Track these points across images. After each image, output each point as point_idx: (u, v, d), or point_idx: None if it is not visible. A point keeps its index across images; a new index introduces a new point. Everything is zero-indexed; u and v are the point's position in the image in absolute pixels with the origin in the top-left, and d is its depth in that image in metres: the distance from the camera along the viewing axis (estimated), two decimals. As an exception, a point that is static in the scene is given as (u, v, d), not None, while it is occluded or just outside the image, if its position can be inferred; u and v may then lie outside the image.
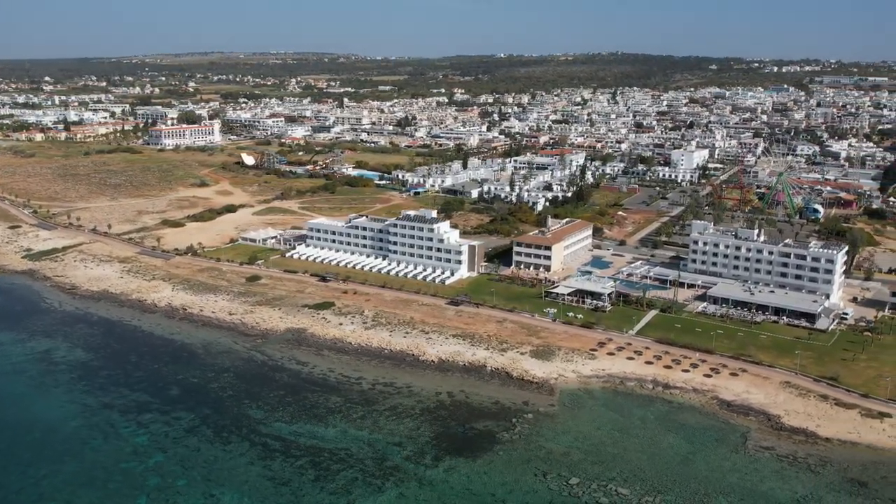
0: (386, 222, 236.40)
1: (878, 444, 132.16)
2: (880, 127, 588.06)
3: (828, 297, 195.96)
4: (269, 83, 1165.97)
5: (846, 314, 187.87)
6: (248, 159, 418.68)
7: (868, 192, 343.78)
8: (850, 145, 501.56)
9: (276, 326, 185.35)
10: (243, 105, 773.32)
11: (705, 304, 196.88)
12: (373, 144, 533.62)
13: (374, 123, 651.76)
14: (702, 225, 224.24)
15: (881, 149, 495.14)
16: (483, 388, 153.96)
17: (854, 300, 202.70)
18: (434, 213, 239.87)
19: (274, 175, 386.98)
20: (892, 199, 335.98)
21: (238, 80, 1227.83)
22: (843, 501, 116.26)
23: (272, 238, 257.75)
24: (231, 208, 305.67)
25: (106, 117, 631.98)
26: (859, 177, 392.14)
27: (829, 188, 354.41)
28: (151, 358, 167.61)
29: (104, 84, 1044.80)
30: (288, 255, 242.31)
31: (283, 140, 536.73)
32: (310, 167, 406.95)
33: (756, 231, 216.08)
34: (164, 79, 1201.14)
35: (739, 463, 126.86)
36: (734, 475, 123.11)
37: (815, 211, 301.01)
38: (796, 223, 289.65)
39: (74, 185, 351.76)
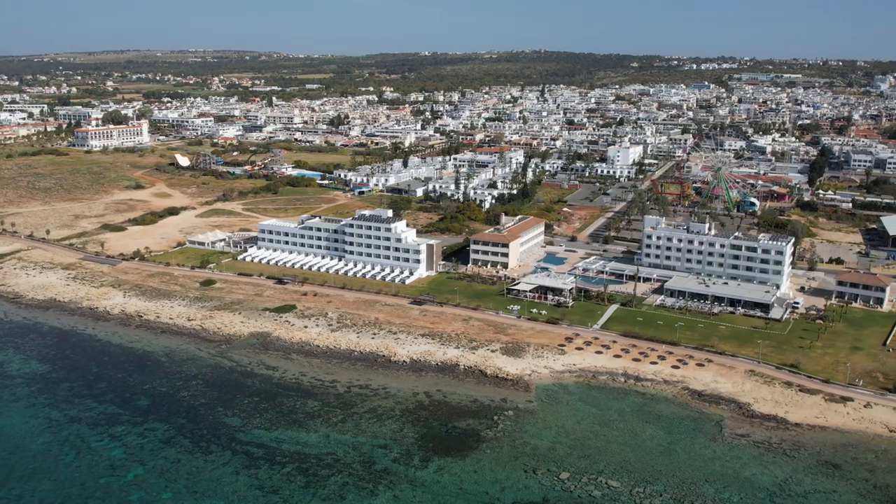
0: (342, 222, 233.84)
1: (845, 427, 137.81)
2: (800, 122, 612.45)
3: (778, 287, 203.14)
4: (191, 82, 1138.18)
5: (797, 303, 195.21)
6: (183, 160, 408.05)
7: (798, 185, 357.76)
8: (773, 140, 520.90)
9: (239, 331, 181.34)
10: (168, 104, 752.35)
11: (663, 297, 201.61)
12: (308, 143, 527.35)
13: (305, 122, 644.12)
14: (654, 220, 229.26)
15: (803, 143, 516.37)
16: (459, 386, 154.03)
17: (801, 289, 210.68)
18: (390, 213, 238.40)
19: (211, 176, 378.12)
20: (820, 191, 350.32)
21: (158, 78, 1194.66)
22: (820, 483, 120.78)
23: (221, 241, 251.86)
24: (173, 211, 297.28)
25: (24, 118, 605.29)
26: (787, 170, 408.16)
27: (760, 182, 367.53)
28: (113, 367, 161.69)
29: (17, 83, 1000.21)
30: (240, 257, 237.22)
31: (215, 140, 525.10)
32: (248, 167, 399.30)
33: (707, 225, 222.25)
34: (80, 78, 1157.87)
35: (719, 451, 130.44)
36: (716, 463, 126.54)
37: (752, 204, 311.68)
38: (735, 216, 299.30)
39: (1, 190, 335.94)
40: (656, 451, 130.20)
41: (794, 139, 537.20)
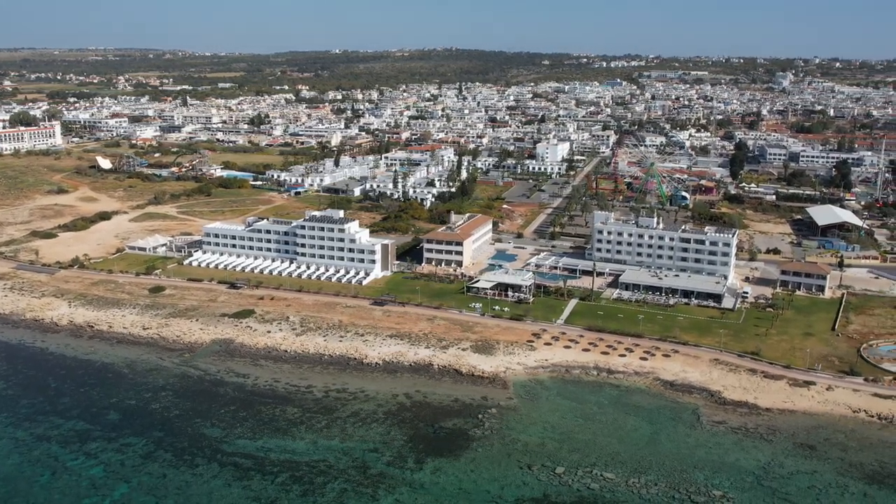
0: (292, 224, 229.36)
1: (812, 410, 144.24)
2: (713, 117, 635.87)
3: (726, 277, 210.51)
4: (95, 81, 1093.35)
5: (746, 293, 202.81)
6: (104, 163, 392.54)
7: (722, 179, 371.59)
8: (690, 136, 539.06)
9: (200, 339, 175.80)
10: (76, 105, 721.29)
11: (618, 290, 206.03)
12: (231, 144, 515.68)
13: (224, 122, 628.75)
14: (603, 216, 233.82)
15: (718, 138, 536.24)
16: (437, 386, 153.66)
17: (746, 279, 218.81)
18: (342, 213, 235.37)
19: (137, 178, 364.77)
20: (743, 184, 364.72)
21: (60, 77, 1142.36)
22: (800, 465, 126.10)
23: (162, 245, 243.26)
24: (105, 216, 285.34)
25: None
26: (709, 164, 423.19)
27: (686, 176, 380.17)
28: (73, 382, 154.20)
29: None
30: (186, 262, 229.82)
31: (133, 141, 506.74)
32: (175, 169, 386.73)
33: (655, 219, 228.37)
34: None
35: (701, 438, 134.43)
36: (701, 450, 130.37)
37: (684, 198, 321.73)
38: (669, 210, 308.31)
39: None
40: (642, 441, 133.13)
41: (708, 134, 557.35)
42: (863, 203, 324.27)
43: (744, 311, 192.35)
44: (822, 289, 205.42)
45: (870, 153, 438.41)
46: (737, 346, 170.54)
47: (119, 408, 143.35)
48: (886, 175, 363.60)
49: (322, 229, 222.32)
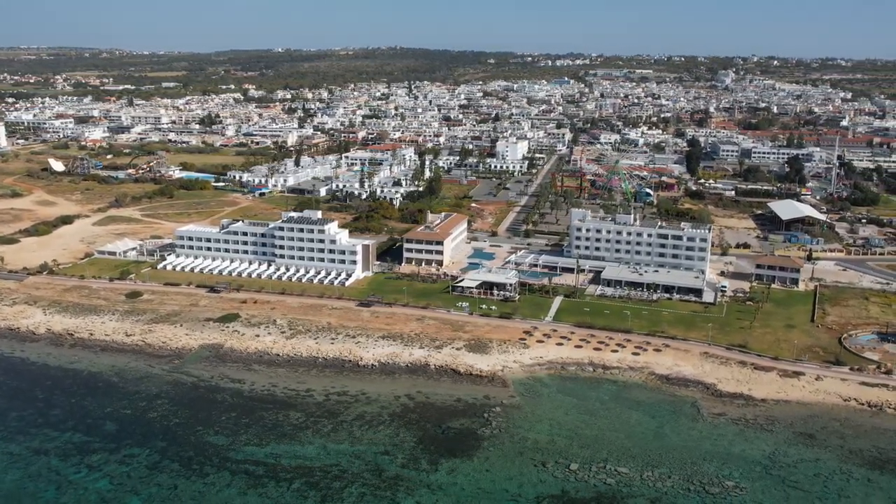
0: (270, 226, 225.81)
1: (805, 400, 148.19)
2: (662, 115, 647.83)
3: (703, 272, 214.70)
4: (31, 81, 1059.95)
5: (724, 287, 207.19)
6: (57, 165, 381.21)
7: (681, 175, 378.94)
8: (643, 133, 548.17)
9: (187, 344, 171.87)
10: (16, 105, 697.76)
11: (600, 287, 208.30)
12: (184, 144, 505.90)
13: (174, 122, 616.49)
14: (581, 213, 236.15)
15: (670, 136, 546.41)
16: (437, 386, 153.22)
17: (721, 274, 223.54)
18: (320, 214, 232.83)
19: (94, 181, 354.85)
20: (702, 181, 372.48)
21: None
22: (803, 453, 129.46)
23: (132, 249, 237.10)
24: (67, 220, 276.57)
25: None
26: (665, 162, 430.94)
27: (645, 173, 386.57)
28: (62, 392, 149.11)
29: None
30: (159, 266, 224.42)
31: (82, 143, 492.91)
32: (131, 171, 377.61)
33: (633, 216, 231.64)
34: None
35: (705, 431, 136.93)
36: (706, 442, 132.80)
37: (648, 195, 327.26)
38: (636, 207, 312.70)
39: None
40: (649, 435, 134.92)
41: (659, 131, 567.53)
42: (818, 197, 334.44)
43: (725, 305, 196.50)
44: (795, 282, 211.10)
45: (818, 149, 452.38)
46: (724, 340, 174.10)
47: (115, 418, 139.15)
48: (838, 171, 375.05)
49: (301, 230, 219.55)
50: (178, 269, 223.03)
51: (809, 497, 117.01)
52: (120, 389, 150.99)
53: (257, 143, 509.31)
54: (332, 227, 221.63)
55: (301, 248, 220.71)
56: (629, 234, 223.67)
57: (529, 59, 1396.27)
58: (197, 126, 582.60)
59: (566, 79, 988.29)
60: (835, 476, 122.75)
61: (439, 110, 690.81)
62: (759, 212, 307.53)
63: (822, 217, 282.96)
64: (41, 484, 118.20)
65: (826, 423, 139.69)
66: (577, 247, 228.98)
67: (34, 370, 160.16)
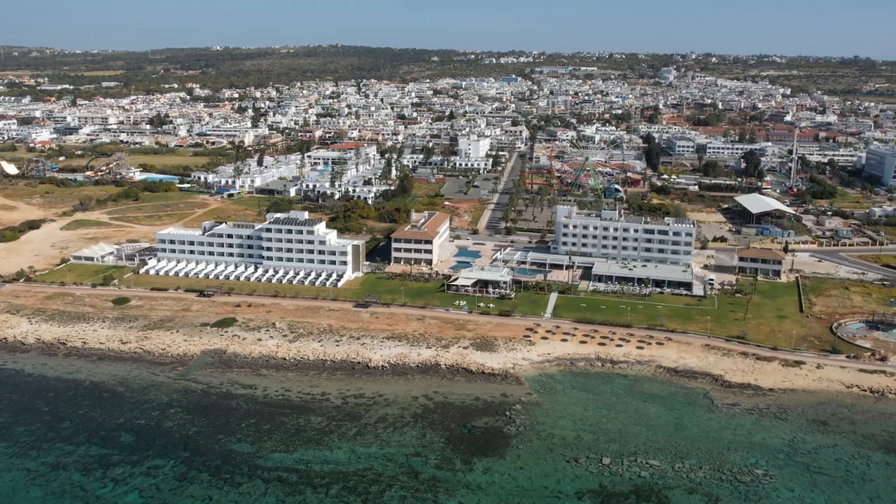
0: (256, 228, 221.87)
1: (810, 388, 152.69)
2: (613, 112, 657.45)
3: (689, 266, 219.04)
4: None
5: (712, 280, 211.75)
6: (10, 168, 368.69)
7: (644, 171, 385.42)
8: (598, 130, 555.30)
9: (188, 350, 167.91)
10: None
11: (592, 282, 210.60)
12: (137, 145, 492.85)
13: (122, 122, 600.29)
14: (566, 210, 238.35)
15: (623, 132, 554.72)
16: (453, 386, 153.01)
17: (705, 267, 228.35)
18: (306, 215, 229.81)
19: (51, 184, 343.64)
20: (664, 176, 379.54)
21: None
22: (821, 440, 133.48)
23: (109, 254, 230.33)
24: (34, 224, 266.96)
25: None
26: (625, 158, 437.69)
27: (609, 169, 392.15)
28: (67, 404, 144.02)
29: None
30: (142, 271, 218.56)
31: (29, 144, 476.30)
32: (90, 173, 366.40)
33: (617, 212, 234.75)
34: None
35: (723, 421, 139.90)
36: (726, 432, 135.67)
37: (617, 190, 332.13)
38: (606, 203, 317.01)
39: None
40: (670, 427, 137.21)
41: (612, 128, 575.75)
42: (778, 191, 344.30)
43: (715, 298, 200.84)
44: (778, 273, 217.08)
45: (770, 144, 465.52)
46: (722, 332, 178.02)
47: (130, 429, 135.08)
48: (797, 165, 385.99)
49: (289, 232, 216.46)
50: (161, 273, 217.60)
51: (836, 482, 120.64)
52: (128, 399, 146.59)
53: (213, 144, 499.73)
54: (321, 228, 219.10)
55: (289, 250, 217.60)
56: (616, 229, 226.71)
57: (473, 56, 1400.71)
58: (148, 126, 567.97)
59: (514, 76, 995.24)
60: (855, 461, 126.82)
61: (392, 108, 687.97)
62: (726, 206, 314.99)
63: (790, 210, 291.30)
64: (67, 500, 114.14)
65: (835, 410, 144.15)
66: (565, 243, 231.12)
67: (32, 382, 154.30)
